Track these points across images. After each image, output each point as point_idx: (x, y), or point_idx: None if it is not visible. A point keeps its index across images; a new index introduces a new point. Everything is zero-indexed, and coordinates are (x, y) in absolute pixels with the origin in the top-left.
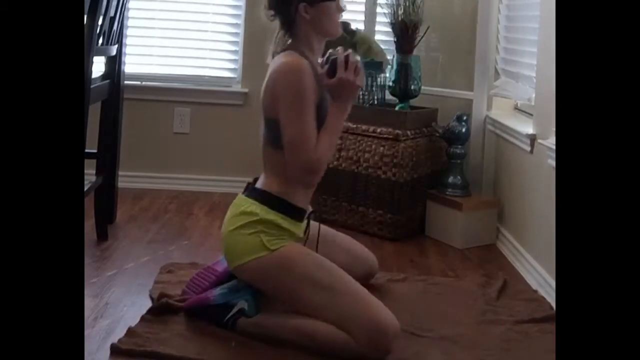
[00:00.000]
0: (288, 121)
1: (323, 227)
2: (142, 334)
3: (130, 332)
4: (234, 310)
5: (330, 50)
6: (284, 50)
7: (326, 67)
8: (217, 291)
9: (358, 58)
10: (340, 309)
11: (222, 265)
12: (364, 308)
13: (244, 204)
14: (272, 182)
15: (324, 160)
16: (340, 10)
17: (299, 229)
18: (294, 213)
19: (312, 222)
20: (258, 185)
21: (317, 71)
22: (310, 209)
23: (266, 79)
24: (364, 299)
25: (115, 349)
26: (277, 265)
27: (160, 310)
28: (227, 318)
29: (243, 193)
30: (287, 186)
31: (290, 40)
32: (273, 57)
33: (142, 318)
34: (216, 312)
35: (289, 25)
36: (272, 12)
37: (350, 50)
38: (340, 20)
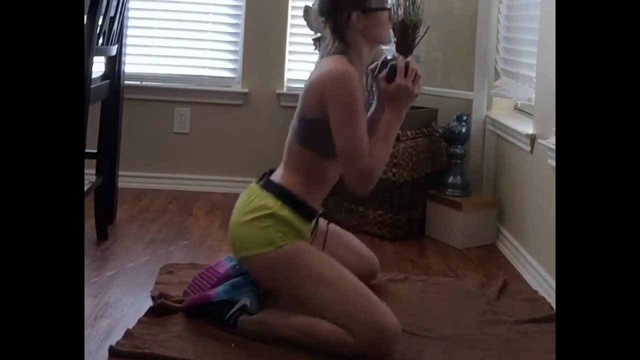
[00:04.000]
0: (341, 129)
1: (331, 225)
2: (141, 336)
3: (128, 334)
4: (237, 306)
5: (385, 56)
6: (333, 54)
7: (385, 71)
8: (218, 289)
9: (416, 66)
10: (343, 307)
11: (223, 267)
12: (367, 308)
13: (258, 195)
14: (291, 179)
15: (380, 166)
16: (392, 20)
17: (307, 228)
18: (307, 213)
19: (320, 220)
20: (275, 178)
21: (362, 79)
22: (321, 209)
23: (312, 77)
24: (368, 299)
25: (113, 352)
26: (283, 261)
27: (160, 310)
28: (228, 315)
29: (257, 182)
30: (306, 186)
31: (339, 46)
32: (321, 56)
33: (140, 320)
34: (217, 310)
35: (340, 32)
36: (322, 18)
37: (410, 58)
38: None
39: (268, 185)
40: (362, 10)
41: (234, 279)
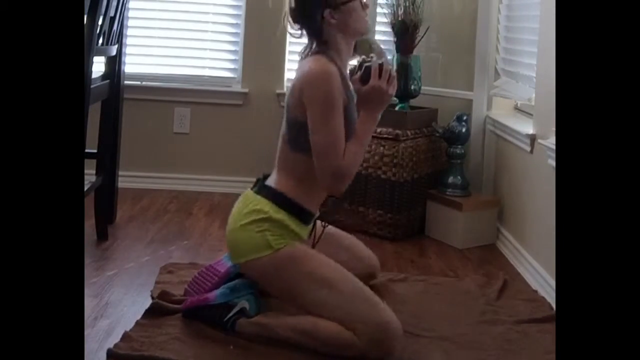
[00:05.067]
0: (316, 128)
1: (330, 227)
2: (138, 339)
3: (126, 336)
4: (235, 309)
5: (363, 57)
6: (312, 54)
7: (359, 73)
8: (217, 292)
9: (391, 67)
10: (345, 306)
11: (224, 266)
12: (368, 307)
13: (252, 200)
14: (285, 182)
15: (353, 167)
16: (366, 7)
17: (305, 231)
18: (303, 216)
19: (318, 222)
20: (269, 182)
21: (345, 75)
22: (318, 212)
23: (293, 80)
24: (369, 298)
25: (112, 354)
26: (281, 264)
27: (157, 311)
28: (227, 318)
29: (252, 189)
30: (300, 189)
31: (317, 45)
32: (301, 59)
33: (137, 323)
34: (216, 313)
35: (316, 33)
36: (297, 26)
37: (384, 59)
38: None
39: (262, 191)
40: (333, 6)
41: (233, 282)
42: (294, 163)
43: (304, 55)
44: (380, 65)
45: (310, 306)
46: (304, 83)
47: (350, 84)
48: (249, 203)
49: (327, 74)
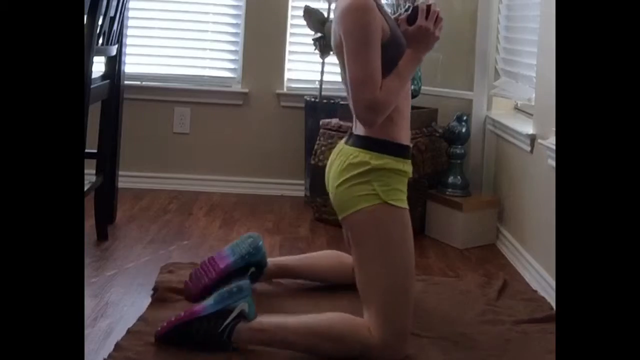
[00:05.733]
0: (352, 58)
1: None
2: (132, 347)
3: (118, 347)
4: (235, 313)
5: (415, 2)
6: None
7: (406, 13)
8: (205, 302)
9: (439, 9)
10: (394, 299)
11: (224, 262)
12: (406, 312)
13: (351, 153)
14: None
15: (389, 102)
16: None
17: (408, 166)
18: (401, 151)
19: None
20: (357, 131)
21: (382, 7)
22: (410, 143)
23: (334, 19)
24: (410, 305)
25: None
26: (389, 217)
27: (158, 302)
28: (225, 324)
29: (346, 143)
30: (386, 125)
31: None
32: None
33: (129, 331)
34: (207, 324)
35: None
36: None
37: (433, 1)
38: None
39: (357, 142)
40: None
41: (228, 287)
42: None
43: None
44: (428, 7)
45: (374, 272)
46: (341, 17)
47: (389, 15)
48: (348, 157)
49: (362, 7)
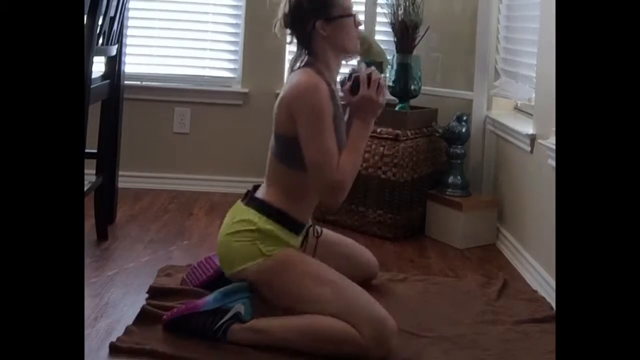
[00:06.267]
0: (308, 142)
1: (329, 234)
2: (141, 333)
3: (128, 330)
4: (230, 314)
5: (353, 68)
6: (300, 67)
7: (348, 84)
8: (207, 298)
9: (381, 75)
10: (348, 302)
11: None
12: (368, 304)
13: (242, 211)
14: (273, 194)
15: (349, 179)
16: (358, 25)
17: (296, 240)
18: (293, 226)
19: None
20: (258, 194)
21: (333, 90)
22: (310, 222)
23: (281, 94)
24: (364, 296)
25: (114, 348)
26: (278, 267)
27: (149, 316)
28: (220, 323)
29: (242, 201)
30: (289, 200)
31: (307, 57)
32: (290, 72)
33: (127, 329)
34: (205, 320)
35: (306, 42)
36: (288, 31)
37: (373, 68)
38: (357, 36)
39: (252, 202)
40: (325, 18)
41: (228, 286)
42: (282, 175)
43: (293, 68)
44: (369, 75)
45: (313, 303)
46: (293, 97)
47: (338, 100)
48: (238, 214)
49: (315, 87)
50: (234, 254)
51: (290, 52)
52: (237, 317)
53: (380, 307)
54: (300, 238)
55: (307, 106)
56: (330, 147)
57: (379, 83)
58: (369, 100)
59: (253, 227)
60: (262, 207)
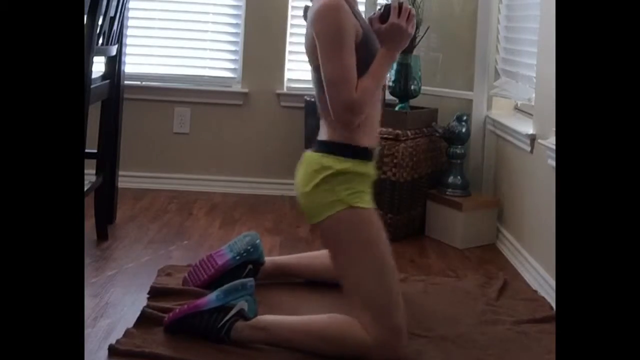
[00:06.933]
0: (327, 59)
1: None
2: (140, 335)
3: (128, 333)
4: (233, 311)
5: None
6: None
7: (379, 11)
8: (208, 297)
9: (411, 7)
10: (378, 291)
11: (222, 259)
12: (395, 309)
13: (314, 159)
14: (333, 130)
15: (364, 102)
16: None
17: (371, 168)
18: (364, 154)
19: None
20: (321, 137)
21: (356, 10)
22: (377, 145)
23: (307, 23)
24: (398, 297)
25: (113, 350)
26: (355, 218)
27: (149, 320)
28: (224, 321)
29: (311, 149)
30: (349, 130)
31: None
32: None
33: (126, 332)
34: (208, 318)
35: None
36: None
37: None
38: None
39: (320, 147)
40: None
41: (229, 284)
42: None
43: None
44: (400, 4)
45: (356, 270)
46: (314, 20)
47: (362, 16)
48: (311, 163)
49: (335, 6)
50: (317, 204)
51: (290, 52)
52: (240, 314)
53: (403, 318)
54: (374, 163)
55: (327, 25)
56: (349, 66)
57: (409, 13)
58: (399, 29)
59: (330, 172)
60: (330, 147)
